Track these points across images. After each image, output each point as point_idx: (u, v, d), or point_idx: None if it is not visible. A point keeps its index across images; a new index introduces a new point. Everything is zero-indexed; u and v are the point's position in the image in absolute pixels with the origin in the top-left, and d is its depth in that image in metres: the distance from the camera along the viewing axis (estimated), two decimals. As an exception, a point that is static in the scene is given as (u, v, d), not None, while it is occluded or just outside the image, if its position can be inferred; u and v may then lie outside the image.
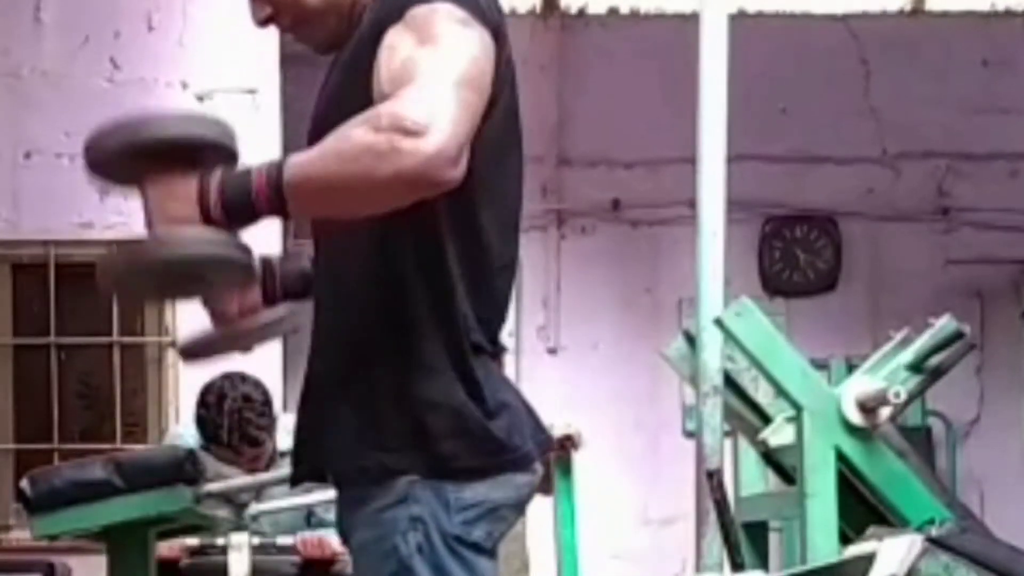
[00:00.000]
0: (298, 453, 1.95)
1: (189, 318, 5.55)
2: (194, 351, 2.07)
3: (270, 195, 1.69)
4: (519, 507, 1.88)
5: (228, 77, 5.55)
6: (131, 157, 1.74)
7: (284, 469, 3.77)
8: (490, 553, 1.84)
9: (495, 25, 1.78)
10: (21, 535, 4.79)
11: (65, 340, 5.57)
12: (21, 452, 5.48)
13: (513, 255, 1.91)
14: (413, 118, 1.62)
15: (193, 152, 1.74)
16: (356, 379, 1.83)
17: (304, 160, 1.70)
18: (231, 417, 3.77)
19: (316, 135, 1.83)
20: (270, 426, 3.89)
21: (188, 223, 1.71)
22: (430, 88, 1.65)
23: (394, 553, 1.77)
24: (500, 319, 1.91)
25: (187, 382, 5.42)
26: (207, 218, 1.71)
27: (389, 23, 1.75)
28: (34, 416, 5.56)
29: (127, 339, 5.57)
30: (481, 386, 1.82)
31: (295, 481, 1.99)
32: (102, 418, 5.56)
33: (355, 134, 1.65)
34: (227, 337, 2.02)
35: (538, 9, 7.20)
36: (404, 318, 1.81)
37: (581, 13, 7.19)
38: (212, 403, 3.83)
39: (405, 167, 1.62)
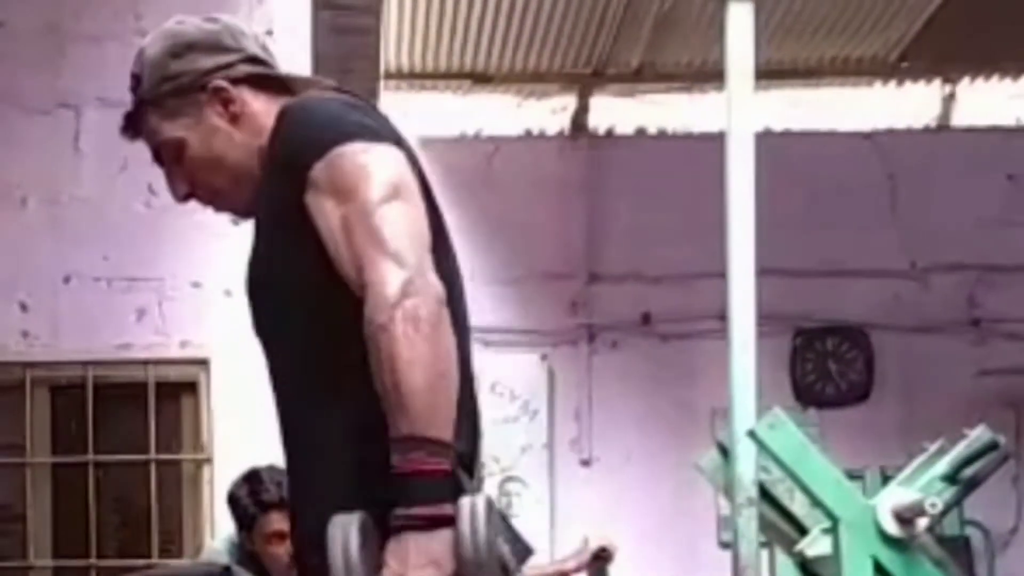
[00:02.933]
0: None
1: (224, 433, 5.60)
2: None
3: (437, 453, 1.70)
4: None
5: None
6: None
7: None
8: None
9: (393, 138, 1.86)
10: (58, 653, 4.77)
11: (103, 458, 5.61)
12: (59, 569, 5.50)
13: (470, 353, 1.93)
14: (394, 294, 1.70)
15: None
16: (334, 494, 1.82)
17: (404, 413, 1.70)
18: (273, 483, 3.76)
19: (253, 289, 1.94)
20: None
21: (448, 548, 1.69)
22: (380, 254, 1.73)
23: None
24: (477, 431, 1.93)
25: (222, 498, 5.44)
26: (448, 521, 1.70)
27: (298, 183, 1.81)
28: (72, 533, 5.58)
29: (163, 456, 5.60)
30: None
31: None
32: (139, 534, 5.57)
33: (384, 353, 1.69)
34: None
35: (567, 131, 7.31)
36: (378, 457, 1.78)
37: (609, 134, 7.30)
38: (247, 486, 3.83)
39: (427, 315, 1.70)
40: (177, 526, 5.61)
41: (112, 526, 5.67)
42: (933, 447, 4.12)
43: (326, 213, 1.79)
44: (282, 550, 3.76)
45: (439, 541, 1.68)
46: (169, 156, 2.03)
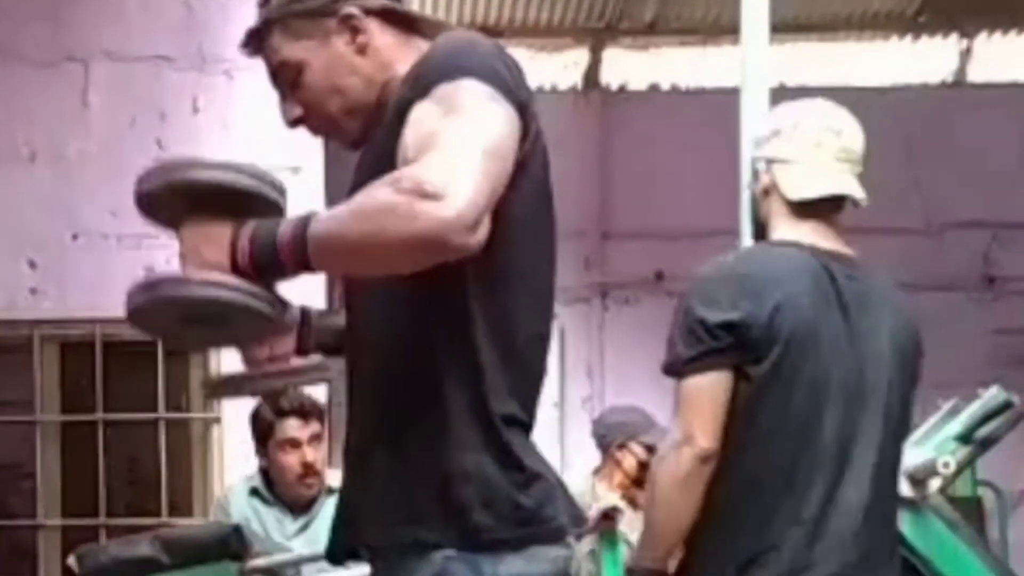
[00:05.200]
0: (336, 528, 1.96)
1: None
2: (220, 389, 2.15)
3: (294, 249, 1.72)
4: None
5: (272, 156, 5.61)
6: (174, 197, 1.79)
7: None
8: None
9: (522, 101, 1.80)
10: (68, 612, 4.78)
11: (112, 417, 5.60)
12: (68, 527, 5.50)
13: (546, 327, 1.91)
14: (433, 181, 1.63)
15: (236, 201, 1.77)
16: (387, 451, 1.84)
17: (328, 216, 1.72)
18: (292, 393, 3.79)
19: None
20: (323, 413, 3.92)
21: (218, 268, 1.74)
22: (452, 154, 1.66)
23: None
24: (534, 391, 1.91)
25: (232, 458, 5.43)
26: (235, 266, 1.74)
27: (416, 100, 1.77)
28: (82, 492, 5.58)
29: (173, 415, 5.59)
30: (514, 456, 1.82)
31: (332, 561, 1.98)
32: (148, 493, 5.58)
33: (377, 194, 1.67)
34: (253, 379, 2.07)
35: (579, 86, 7.26)
36: (433, 390, 1.81)
37: (622, 89, 7.25)
38: (268, 399, 3.87)
39: (421, 229, 1.63)
40: (187, 485, 5.61)
41: (121, 485, 5.67)
42: (947, 406, 4.09)
43: (425, 113, 1.74)
44: (294, 459, 3.81)
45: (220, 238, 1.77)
46: (287, 78, 1.98)
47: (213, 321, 1.78)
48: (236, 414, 5.60)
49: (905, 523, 3.74)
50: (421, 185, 1.63)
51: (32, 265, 5.79)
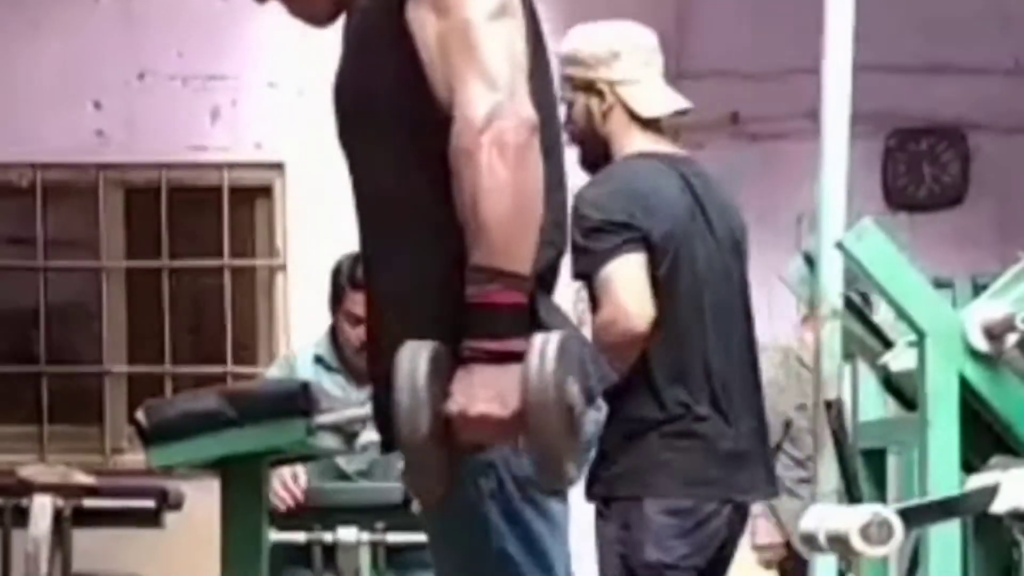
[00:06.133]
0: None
1: (299, 240, 5.57)
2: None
3: (513, 286, 1.68)
4: (588, 445, 1.89)
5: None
6: (431, 435, 1.69)
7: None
8: (562, 495, 1.85)
9: None
10: (135, 458, 4.84)
11: (177, 263, 5.60)
12: (134, 375, 5.55)
13: (563, 171, 1.92)
14: (482, 115, 1.69)
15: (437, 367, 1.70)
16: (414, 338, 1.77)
17: (482, 242, 1.68)
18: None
19: (341, 100, 1.88)
20: None
21: (515, 382, 1.66)
22: (480, 72, 1.72)
23: (466, 499, 1.78)
24: (562, 241, 1.92)
25: (296, 305, 5.43)
26: (515, 358, 1.66)
27: None
28: (147, 339, 5.61)
29: (238, 262, 5.58)
30: (540, 322, 1.79)
31: (386, 449, 1.94)
32: (214, 341, 5.60)
33: (468, 177, 1.68)
34: None
35: (655, -83, 7.03)
36: (448, 273, 1.76)
37: (700, -80, 7.03)
38: (350, 261, 3.83)
39: (518, 143, 1.69)
40: (251, 333, 5.62)
41: (186, 332, 5.70)
42: (1027, 257, 3.97)
43: (425, 28, 1.77)
44: (355, 333, 3.79)
45: (506, 376, 1.66)
46: None
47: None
48: (301, 261, 5.60)
49: (980, 378, 3.67)
50: (478, 128, 1.68)
51: (97, 106, 5.75)
